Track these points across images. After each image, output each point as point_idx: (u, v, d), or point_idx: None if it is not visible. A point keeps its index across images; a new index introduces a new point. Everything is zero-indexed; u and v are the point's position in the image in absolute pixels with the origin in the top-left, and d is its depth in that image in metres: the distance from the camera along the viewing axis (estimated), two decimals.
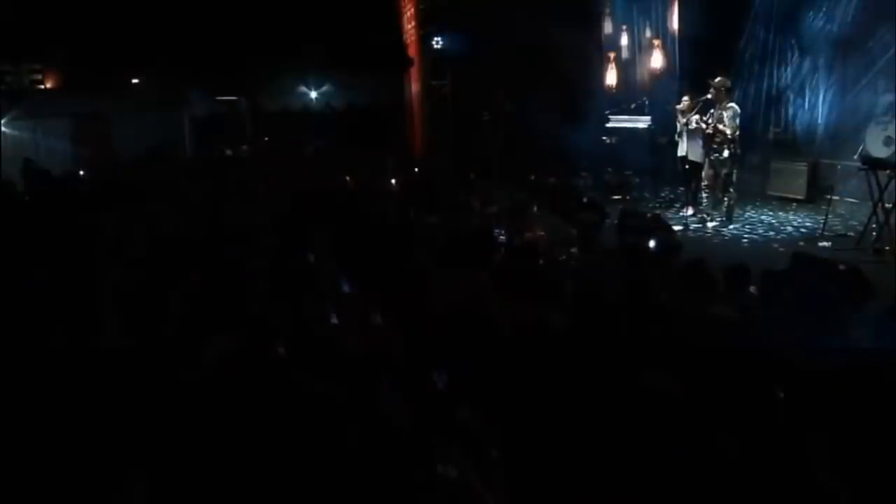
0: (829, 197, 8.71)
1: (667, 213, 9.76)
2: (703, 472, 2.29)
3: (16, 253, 5.45)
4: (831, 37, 10.22)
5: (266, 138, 19.65)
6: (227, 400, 2.61)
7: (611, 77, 13.80)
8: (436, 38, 16.01)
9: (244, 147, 19.20)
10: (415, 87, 17.69)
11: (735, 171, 9.06)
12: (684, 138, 9.77)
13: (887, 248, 7.11)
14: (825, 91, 10.54)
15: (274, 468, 2.29)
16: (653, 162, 11.38)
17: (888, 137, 7.46)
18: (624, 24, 13.62)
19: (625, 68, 13.68)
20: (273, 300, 3.96)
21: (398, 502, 2.27)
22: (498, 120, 14.45)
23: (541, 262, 5.39)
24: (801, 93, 10.95)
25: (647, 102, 11.80)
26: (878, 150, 7.58)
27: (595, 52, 14.10)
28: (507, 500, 2.30)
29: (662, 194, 11.18)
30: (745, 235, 8.67)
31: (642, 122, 11.67)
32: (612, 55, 13.82)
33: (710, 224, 9.10)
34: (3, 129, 16.03)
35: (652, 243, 6.22)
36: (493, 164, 13.38)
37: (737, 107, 9.01)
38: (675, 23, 12.05)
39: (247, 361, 2.89)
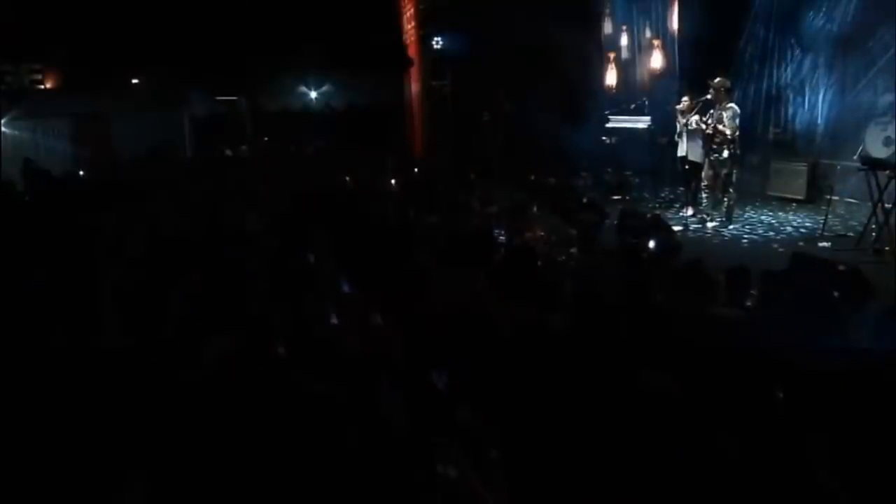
0: (828, 197, 8.71)
1: (666, 214, 9.76)
2: (703, 472, 2.29)
3: (16, 253, 5.45)
4: (831, 37, 10.23)
5: (266, 138, 19.66)
6: (227, 400, 2.61)
7: (611, 77, 13.81)
8: (436, 39, 16.01)
9: (244, 147, 19.20)
10: (415, 87, 17.69)
11: (735, 171, 9.06)
12: (684, 139, 9.77)
13: (887, 248, 7.12)
14: (825, 91, 10.55)
15: (274, 468, 2.29)
16: (653, 162, 11.39)
17: (888, 138, 7.47)
18: (624, 24, 13.63)
19: (625, 68, 13.69)
20: (273, 300, 3.96)
21: (398, 502, 2.27)
22: (498, 120, 14.45)
23: (540, 262, 5.38)
24: (800, 93, 10.95)
25: (646, 103, 11.80)
26: (878, 151, 7.59)
27: (595, 52, 14.11)
28: (507, 500, 2.30)
29: (662, 194, 11.18)
30: (745, 236, 8.67)
31: (642, 123, 11.67)
32: (612, 55, 13.83)
33: (709, 224, 9.10)
34: (3, 129, 16.02)
35: (652, 244, 6.22)
36: (493, 164, 13.39)
37: (736, 107, 9.01)
38: (674, 23, 12.06)
39: (247, 361, 2.89)
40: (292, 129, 18.98)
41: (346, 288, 4.43)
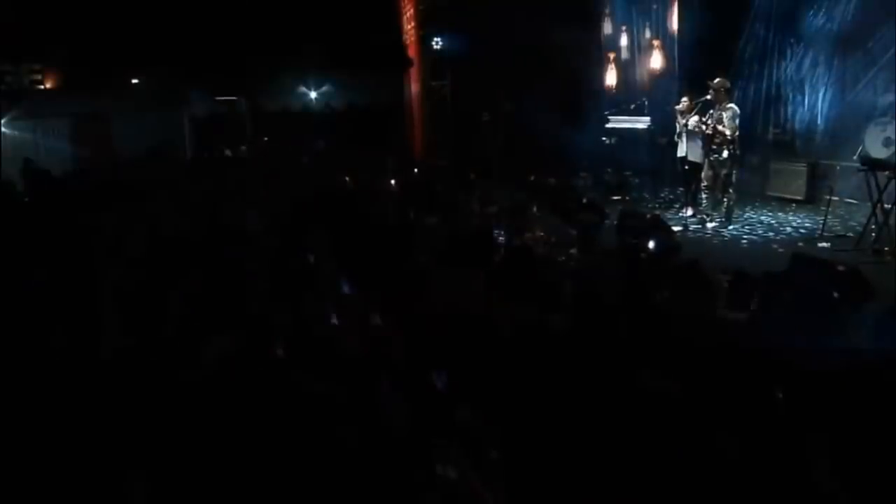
0: (828, 197, 8.70)
1: (666, 214, 9.75)
2: (703, 472, 2.29)
3: (16, 253, 5.45)
4: (831, 37, 10.23)
5: (266, 138, 19.66)
6: (227, 400, 2.61)
7: (610, 77, 13.81)
8: (435, 39, 16.02)
9: (244, 147, 19.21)
10: (415, 87, 17.69)
11: (734, 171, 9.06)
12: (684, 139, 9.77)
13: (886, 248, 7.11)
14: (825, 91, 10.54)
15: (274, 468, 2.29)
16: (652, 162, 11.38)
17: (887, 138, 7.46)
18: (624, 24, 13.63)
19: (624, 69, 13.69)
20: (273, 300, 3.96)
21: (398, 502, 2.27)
22: (498, 120, 14.46)
23: (540, 262, 5.39)
24: (800, 93, 10.95)
25: (646, 103, 11.80)
26: (878, 151, 7.58)
27: (595, 52, 14.11)
28: (506, 500, 2.30)
29: (662, 195, 11.17)
30: (745, 236, 8.67)
31: (642, 123, 11.67)
32: (611, 56, 13.83)
33: (709, 225, 9.10)
34: (3, 129, 16.03)
35: (651, 244, 6.22)
36: (493, 164, 13.39)
37: (736, 107, 9.01)
38: (674, 23, 12.06)
39: (247, 361, 2.89)
40: (292, 129, 18.98)
41: (345, 288, 4.43)
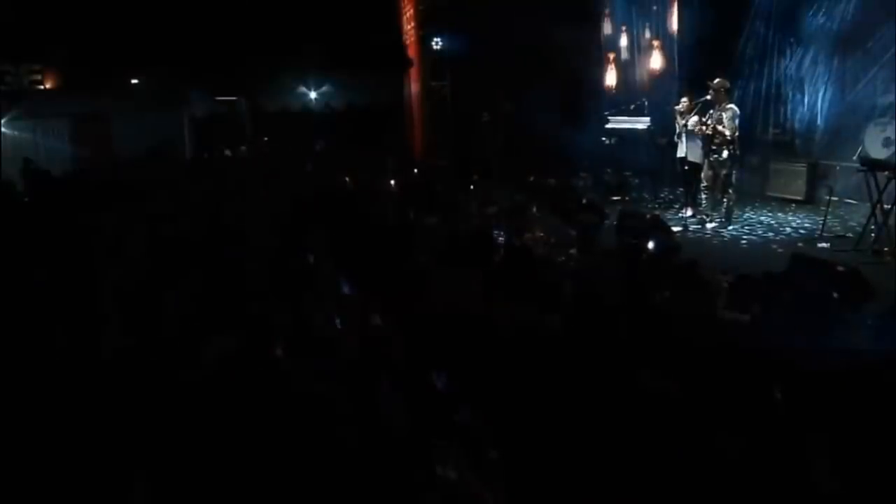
0: (828, 198, 8.70)
1: (666, 214, 9.75)
2: (703, 472, 2.29)
3: (16, 253, 5.45)
4: (831, 37, 10.23)
5: (266, 138, 19.66)
6: (226, 400, 2.61)
7: (610, 78, 13.81)
8: (435, 39, 16.02)
9: (243, 147, 19.21)
10: (414, 87, 17.69)
11: (734, 171, 9.05)
12: (684, 139, 9.77)
13: (886, 249, 7.11)
14: (824, 91, 10.54)
15: (274, 468, 2.29)
16: (652, 163, 11.38)
17: (887, 139, 7.46)
18: (623, 24, 13.64)
19: (624, 69, 13.69)
20: (273, 300, 3.96)
21: (398, 502, 2.27)
22: (498, 120, 14.46)
23: (539, 262, 5.39)
24: (800, 93, 10.95)
25: (646, 103, 11.80)
26: (877, 152, 7.58)
27: (595, 52, 14.11)
28: (506, 500, 2.30)
29: (662, 195, 11.17)
30: (745, 236, 8.67)
31: (642, 123, 11.66)
32: (611, 56, 13.84)
33: (709, 225, 9.10)
34: (3, 129, 16.04)
35: (651, 244, 6.22)
36: (493, 164, 13.39)
37: (736, 108, 9.01)
38: (674, 24, 12.06)
39: (247, 361, 2.89)
40: (292, 129, 18.98)
41: (345, 288, 4.43)
